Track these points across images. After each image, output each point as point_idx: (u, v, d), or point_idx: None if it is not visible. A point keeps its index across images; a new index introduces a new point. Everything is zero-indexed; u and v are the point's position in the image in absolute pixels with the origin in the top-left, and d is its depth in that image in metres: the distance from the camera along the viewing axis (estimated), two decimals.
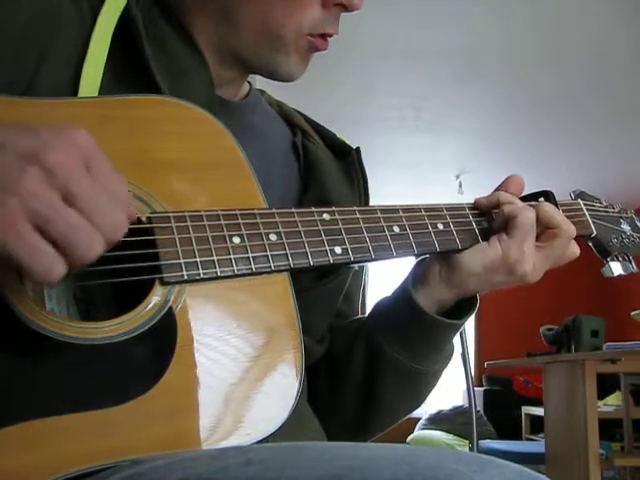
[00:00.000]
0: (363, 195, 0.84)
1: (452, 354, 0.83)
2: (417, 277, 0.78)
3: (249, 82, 0.85)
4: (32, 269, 0.44)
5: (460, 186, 5.58)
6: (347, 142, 0.88)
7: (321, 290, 0.76)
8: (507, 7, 3.21)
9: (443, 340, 0.79)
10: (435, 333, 0.77)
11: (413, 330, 0.77)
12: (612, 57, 3.64)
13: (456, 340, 0.81)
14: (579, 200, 0.87)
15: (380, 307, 0.82)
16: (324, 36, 0.75)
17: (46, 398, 0.50)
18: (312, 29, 0.73)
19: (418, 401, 0.84)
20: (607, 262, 0.87)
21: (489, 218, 0.77)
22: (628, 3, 3.14)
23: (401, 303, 0.77)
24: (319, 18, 0.73)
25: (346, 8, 0.73)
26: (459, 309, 0.78)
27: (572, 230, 0.77)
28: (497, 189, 0.80)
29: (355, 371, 0.80)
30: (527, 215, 0.74)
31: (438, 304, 0.77)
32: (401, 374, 0.79)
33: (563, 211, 0.81)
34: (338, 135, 0.89)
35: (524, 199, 0.80)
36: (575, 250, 0.79)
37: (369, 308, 0.85)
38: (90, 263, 0.47)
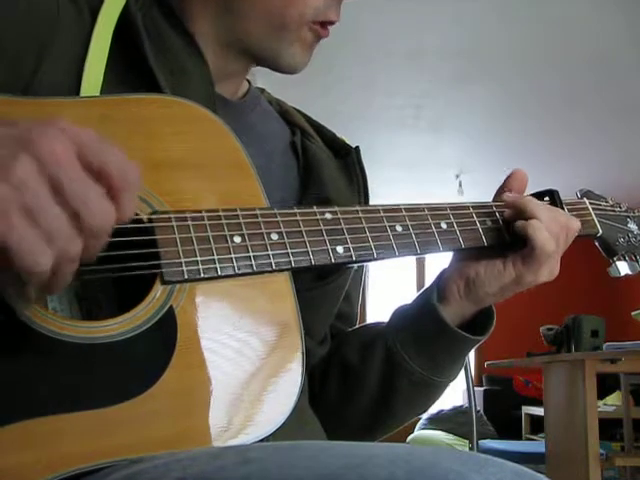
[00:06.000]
0: (363, 194, 0.84)
1: (463, 366, 0.84)
2: (439, 295, 0.78)
3: (248, 81, 0.85)
4: (20, 258, 0.43)
5: (460, 186, 5.57)
6: (347, 141, 0.88)
7: (321, 290, 0.76)
8: (509, 7, 3.21)
9: (464, 354, 0.81)
10: (459, 348, 0.79)
11: (438, 345, 0.78)
12: (614, 56, 3.64)
13: None
14: (585, 199, 0.87)
15: (401, 319, 0.81)
16: (324, 24, 0.75)
17: (46, 397, 0.50)
18: (315, 16, 0.73)
19: (426, 408, 0.86)
20: (614, 262, 0.87)
21: (494, 218, 0.77)
22: (630, 2, 3.14)
23: (426, 318, 0.78)
24: (321, 5, 0.73)
25: None
26: (476, 316, 0.80)
27: (544, 215, 0.74)
28: (502, 186, 0.80)
29: (371, 380, 0.80)
30: (548, 246, 0.73)
31: (460, 318, 0.79)
32: (418, 385, 0.80)
33: (569, 210, 0.81)
34: (338, 134, 0.89)
35: None
36: (570, 223, 0.77)
37: (369, 310, 0.85)
38: (76, 257, 0.46)
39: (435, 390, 0.82)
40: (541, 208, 0.75)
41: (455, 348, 0.79)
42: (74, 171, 0.45)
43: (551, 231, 0.74)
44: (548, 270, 0.75)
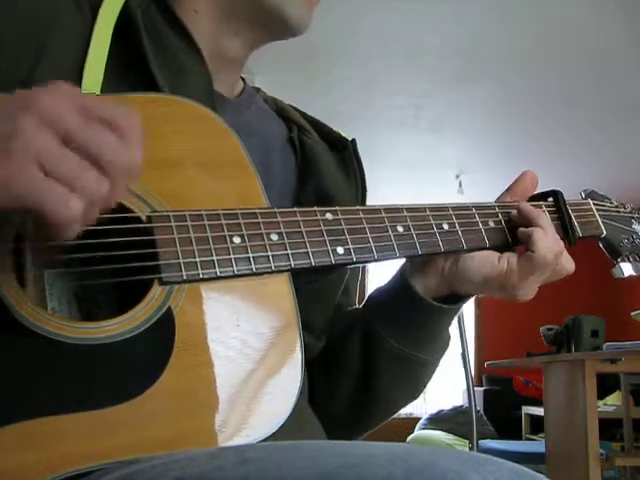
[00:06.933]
0: (360, 186, 0.84)
1: (448, 344, 0.83)
2: (416, 265, 0.78)
3: (244, 80, 0.85)
4: (51, 209, 0.44)
5: (460, 186, 5.58)
6: (343, 134, 0.88)
7: (321, 284, 0.76)
8: (509, 7, 3.21)
9: (440, 326, 0.79)
10: (432, 319, 0.77)
11: (411, 317, 0.77)
12: (614, 56, 3.64)
13: (455, 338, 0.81)
14: (589, 200, 0.86)
15: (376, 296, 0.81)
16: None
17: (46, 397, 0.50)
18: None
19: (415, 392, 0.84)
20: (617, 263, 0.86)
21: (496, 219, 0.77)
22: (630, 2, 3.14)
23: (398, 290, 0.77)
24: None
25: None
26: (452, 296, 0.79)
27: (550, 233, 0.74)
28: (512, 185, 0.81)
29: (352, 361, 0.80)
30: (549, 255, 0.72)
31: (432, 293, 0.77)
32: (399, 363, 0.79)
33: (572, 211, 0.81)
34: (334, 128, 0.89)
35: (532, 199, 0.80)
36: (568, 267, 0.77)
37: None
38: (105, 197, 0.46)
39: (419, 369, 0.80)
40: (551, 228, 0.75)
41: (428, 318, 0.77)
42: (81, 118, 0.46)
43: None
44: (533, 283, 0.74)
